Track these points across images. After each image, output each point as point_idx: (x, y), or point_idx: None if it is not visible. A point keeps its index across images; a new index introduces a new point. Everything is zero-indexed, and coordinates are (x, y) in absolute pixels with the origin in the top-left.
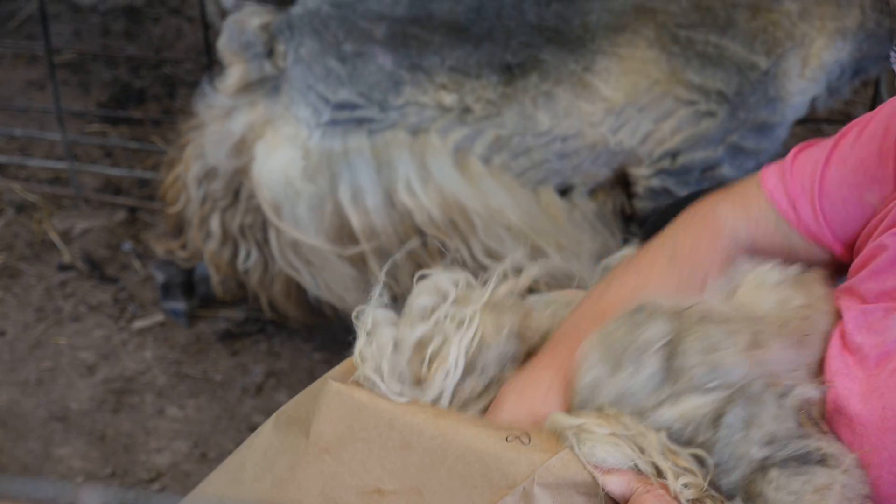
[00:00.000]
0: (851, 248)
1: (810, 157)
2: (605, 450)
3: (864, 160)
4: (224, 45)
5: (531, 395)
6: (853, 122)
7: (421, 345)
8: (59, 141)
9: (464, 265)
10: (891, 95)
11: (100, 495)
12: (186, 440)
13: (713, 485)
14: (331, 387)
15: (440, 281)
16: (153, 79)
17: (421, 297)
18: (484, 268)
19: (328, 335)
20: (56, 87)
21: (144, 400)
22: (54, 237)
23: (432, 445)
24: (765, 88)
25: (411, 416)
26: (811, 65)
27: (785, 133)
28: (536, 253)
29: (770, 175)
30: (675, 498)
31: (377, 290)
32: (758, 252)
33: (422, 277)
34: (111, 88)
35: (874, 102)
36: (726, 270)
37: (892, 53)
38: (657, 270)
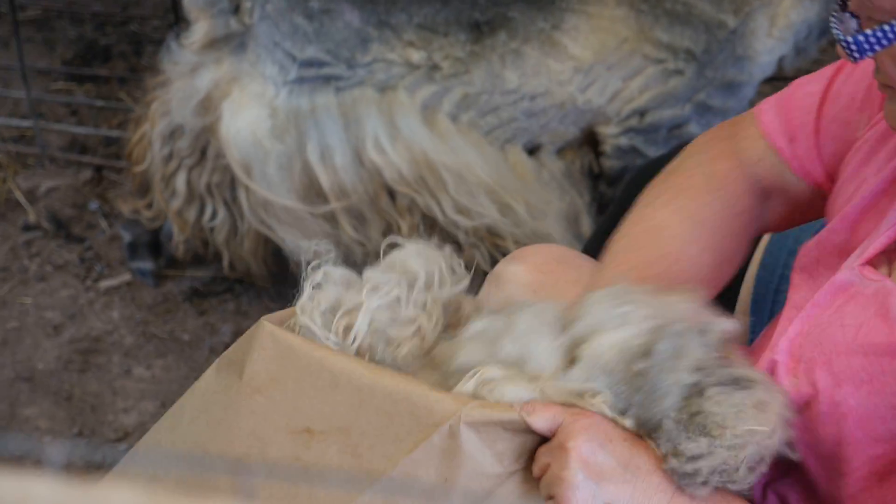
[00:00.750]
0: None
1: (808, 91)
2: (514, 390)
3: (853, 96)
4: (190, 1)
5: None
6: None
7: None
8: (24, 99)
9: (434, 222)
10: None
11: (65, 451)
12: (154, 400)
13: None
14: (265, 328)
15: (409, 260)
16: (119, 36)
17: (379, 272)
18: (455, 224)
19: (294, 294)
20: (20, 44)
21: (111, 360)
22: (19, 196)
23: (360, 385)
24: (732, 47)
25: (342, 359)
26: (779, 24)
27: (752, 92)
28: (506, 210)
29: (767, 112)
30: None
31: (327, 248)
32: (762, 189)
33: (391, 246)
34: (76, 46)
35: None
36: (750, 190)
37: (832, 18)
38: (696, 192)
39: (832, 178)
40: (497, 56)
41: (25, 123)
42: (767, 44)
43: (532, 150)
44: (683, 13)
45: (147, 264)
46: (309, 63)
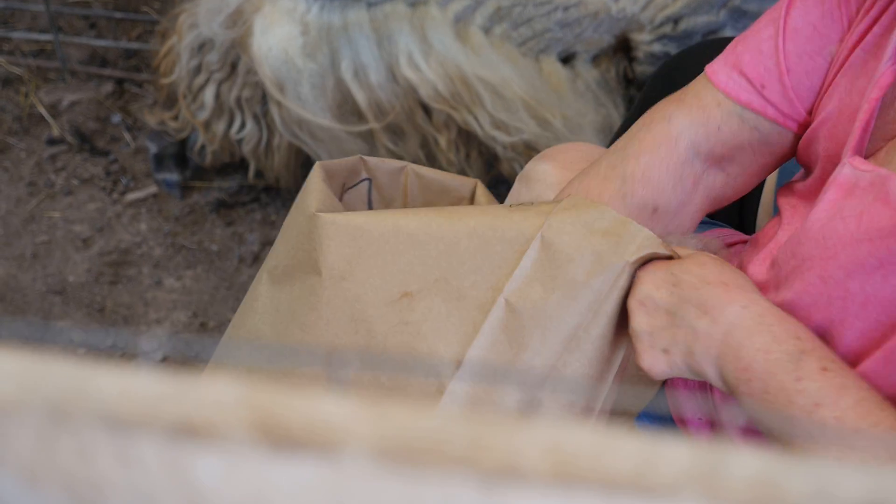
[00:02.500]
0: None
1: (758, 38)
2: None
3: (814, 24)
4: None
5: None
6: None
7: None
8: (41, 13)
9: (472, 136)
10: None
11: (156, 342)
12: (185, 310)
13: None
14: (323, 219)
15: None
16: None
17: None
18: (493, 139)
19: None
20: None
21: (141, 272)
22: (42, 111)
23: (441, 234)
24: None
25: (413, 216)
26: None
27: None
28: (545, 125)
29: (719, 71)
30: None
31: None
32: (719, 158)
33: None
34: None
35: None
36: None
37: None
38: (607, 201)
39: (812, 113)
40: None
41: (45, 37)
42: None
43: (566, 60)
44: None
45: (173, 176)
46: None
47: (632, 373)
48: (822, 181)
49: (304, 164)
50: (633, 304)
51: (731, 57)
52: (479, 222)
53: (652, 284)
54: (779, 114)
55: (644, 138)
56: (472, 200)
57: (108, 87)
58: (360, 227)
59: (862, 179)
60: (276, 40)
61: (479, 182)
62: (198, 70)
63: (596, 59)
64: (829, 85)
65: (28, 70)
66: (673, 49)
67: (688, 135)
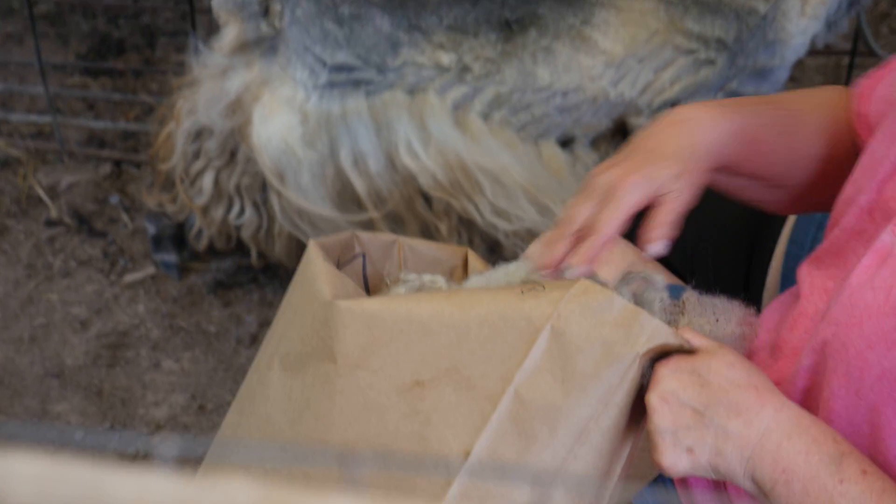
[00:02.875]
0: None
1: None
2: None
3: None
4: (219, 3)
5: None
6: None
7: None
8: (40, 95)
9: (472, 224)
10: (869, 23)
11: (176, 445)
12: (184, 393)
13: None
14: (340, 307)
15: None
16: (132, 29)
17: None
18: (494, 227)
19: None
20: (37, 39)
21: (139, 353)
22: (40, 192)
23: (453, 322)
24: (763, 33)
25: (426, 303)
26: (811, 2)
27: (786, 75)
28: (545, 212)
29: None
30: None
31: None
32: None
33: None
34: (90, 40)
35: (857, 32)
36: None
37: None
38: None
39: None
40: (528, 54)
41: (44, 119)
42: (801, 24)
43: (565, 144)
44: (713, 2)
45: (171, 257)
46: (339, 68)
47: (633, 468)
48: (853, 236)
49: (300, 248)
50: (654, 400)
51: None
52: (489, 310)
53: (677, 382)
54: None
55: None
56: (465, 269)
57: (106, 168)
58: (374, 316)
59: None
60: (275, 129)
61: (468, 250)
62: (196, 155)
63: (595, 143)
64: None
65: (26, 152)
66: None
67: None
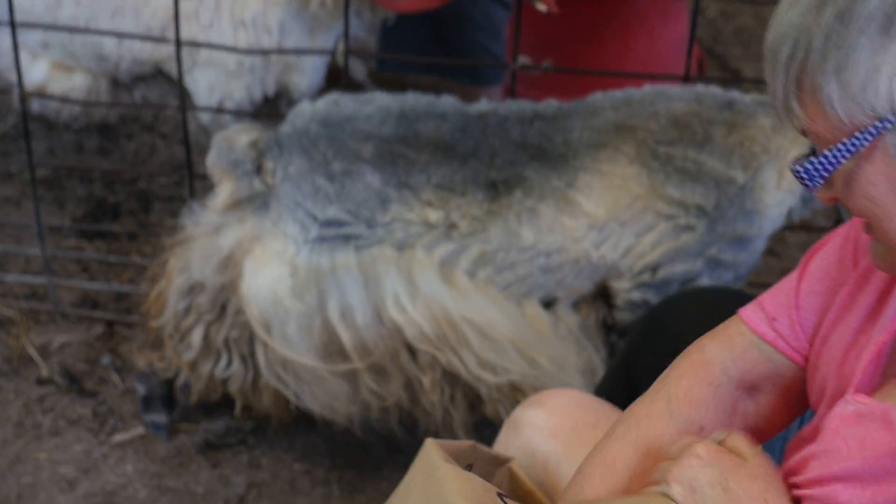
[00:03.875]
0: None
1: (787, 280)
2: None
3: (827, 269)
4: (213, 162)
5: None
6: (820, 240)
7: None
8: (35, 256)
9: (456, 378)
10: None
11: None
12: None
13: None
14: None
15: None
16: (127, 194)
17: None
18: (479, 380)
19: (309, 444)
20: (37, 201)
21: None
22: (32, 352)
23: None
24: (742, 202)
25: None
26: (787, 176)
27: (763, 245)
28: (531, 364)
29: (748, 308)
30: None
31: None
32: (749, 386)
33: None
34: (86, 204)
35: (839, 209)
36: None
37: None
38: (655, 420)
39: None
40: (513, 214)
41: (38, 280)
42: (777, 197)
43: (547, 305)
44: (694, 170)
45: (160, 417)
46: (330, 223)
47: None
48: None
49: (287, 406)
50: (676, 478)
51: (763, 296)
52: None
53: (702, 474)
54: (787, 346)
55: (681, 365)
56: None
57: (99, 329)
58: None
59: (867, 412)
60: (265, 281)
61: None
62: (187, 312)
63: (576, 305)
64: (832, 321)
65: (20, 312)
66: (652, 296)
67: (719, 360)
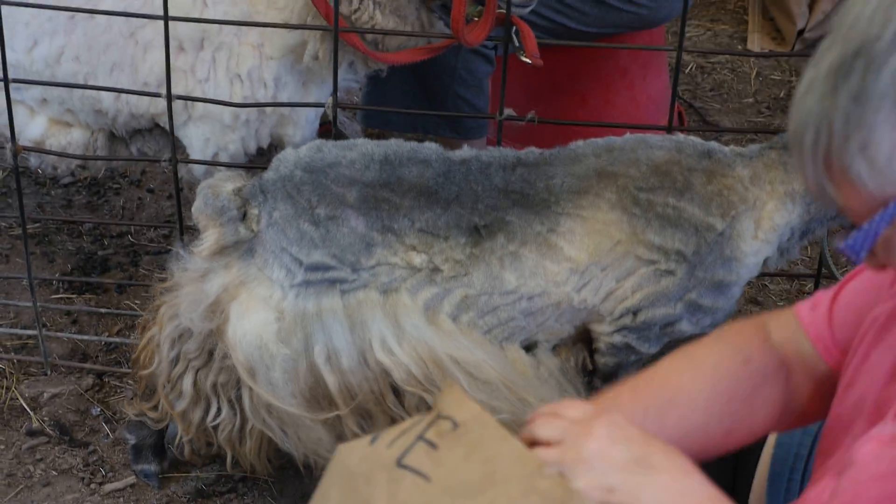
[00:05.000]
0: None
1: (824, 293)
2: None
3: (864, 288)
4: (198, 209)
5: None
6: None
7: None
8: (24, 309)
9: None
10: (832, 256)
11: None
12: None
13: None
14: None
15: None
16: (116, 248)
17: None
18: None
19: (298, 491)
20: (28, 256)
21: None
22: (23, 403)
23: None
24: (721, 249)
25: None
26: (763, 227)
27: (740, 292)
28: (522, 404)
29: (804, 303)
30: None
31: None
32: (791, 366)
33: None
34: (75, 258)
35: (821, 257)
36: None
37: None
38: (703, 345)
39: (840, 349)
40: (496, 258)
41: (28, 332)
42: (753, 245)
43: (528, 348)
44: (674, 216)
45: (151, 466)
46: (315, 267)
47: None
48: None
49: (277, 449)
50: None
51: (816, 296)
52: None
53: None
54: (815, 333)
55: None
56: None
57: (89, 380)
58: None
59: None
60: (251, 326)
61: None
62: (176, 360)
63: (556, 349)
64: (871, 340)
65: (10, 364)
66: (632, 340)
67: (771, 327)
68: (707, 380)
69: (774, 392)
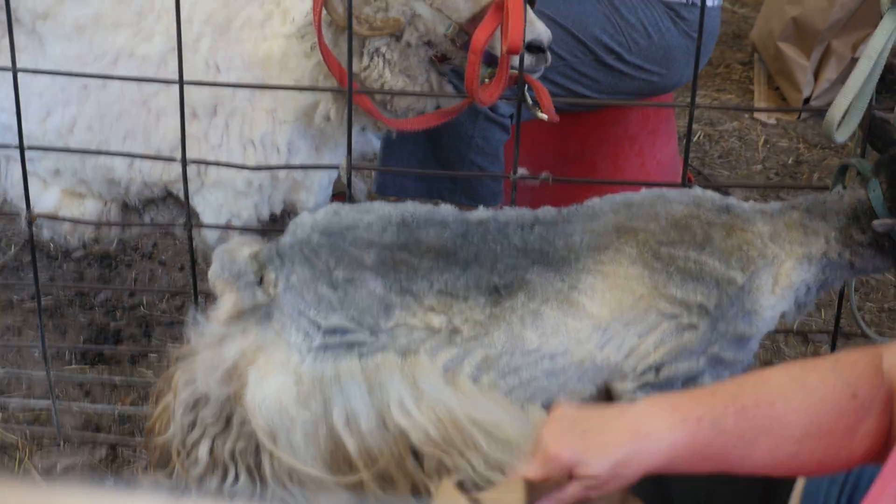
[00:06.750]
0: None
1: None
2: None
3: None
4: (215, 274)
5: None
6: None
7: None
8: (37, 381)
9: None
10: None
11: None
12: None
13: None
14: None
15: None
16: (128, 320)
17: None
18: (488, 481)
19: None
20: (42, 326)
21: None
22: (36, 476)
23: None
24: (742, 302)
25: None
26: (781, 283)
27: (756, 345)
28: None
29: None
30: None
31: None
32: (892, 387)
33: None
34: (87, 331)
35: (837, 319)
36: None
37: None
38: (817, 372)
39: None
40: (517, 317)
41: (41, 405)
42: (771, 300)
43: (549, 409)
44: (695, 270)
45: None
46: (333, 330)
47: None
48: None
49: None
50: None
51: None
52: None
53: None
54: None
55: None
56: None
57: (102, 451)
58: None
59: None
60: (270, 390)
61: None
62: (192, 426)
63: None
64: None
65: (23, 437)
66: None
67: (887, 356)
68: (809, 412)
69: (879, 424)
